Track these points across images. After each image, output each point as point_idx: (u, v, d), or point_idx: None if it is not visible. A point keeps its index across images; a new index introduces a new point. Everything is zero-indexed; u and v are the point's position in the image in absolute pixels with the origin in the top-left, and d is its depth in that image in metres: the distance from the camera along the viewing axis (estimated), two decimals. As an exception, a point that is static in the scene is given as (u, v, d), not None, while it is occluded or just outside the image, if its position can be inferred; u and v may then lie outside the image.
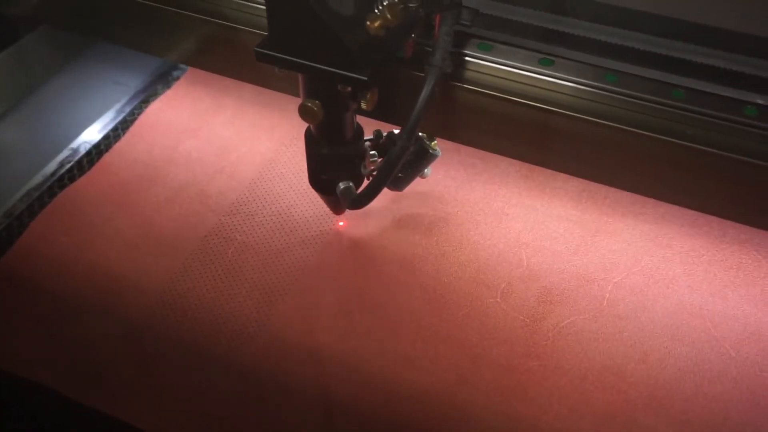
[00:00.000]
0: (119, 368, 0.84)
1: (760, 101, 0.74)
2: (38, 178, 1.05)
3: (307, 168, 0.86)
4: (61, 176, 1.05)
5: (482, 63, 0.81)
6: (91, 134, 1.10)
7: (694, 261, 0.91)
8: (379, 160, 0.84)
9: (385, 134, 0.84)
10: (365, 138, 0.84)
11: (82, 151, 1.08)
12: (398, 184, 0.89)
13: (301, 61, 0.72)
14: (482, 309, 0.88)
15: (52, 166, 1.06)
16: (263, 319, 0.87)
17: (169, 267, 0.93)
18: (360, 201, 0.82)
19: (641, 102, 0.76)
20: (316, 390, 0.82)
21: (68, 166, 1.06)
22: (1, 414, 0.82)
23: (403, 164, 0.79)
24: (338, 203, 0.88)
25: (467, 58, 0.81)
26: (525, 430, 0.78)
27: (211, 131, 1.09)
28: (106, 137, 1.10)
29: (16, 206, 1.01)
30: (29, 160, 1.07)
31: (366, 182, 0.85)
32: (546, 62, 0.79)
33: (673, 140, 0.75)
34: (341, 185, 0.84)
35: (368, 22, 0.69)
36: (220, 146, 1.07)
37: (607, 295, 0.88)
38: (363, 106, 0.75)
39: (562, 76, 0.78)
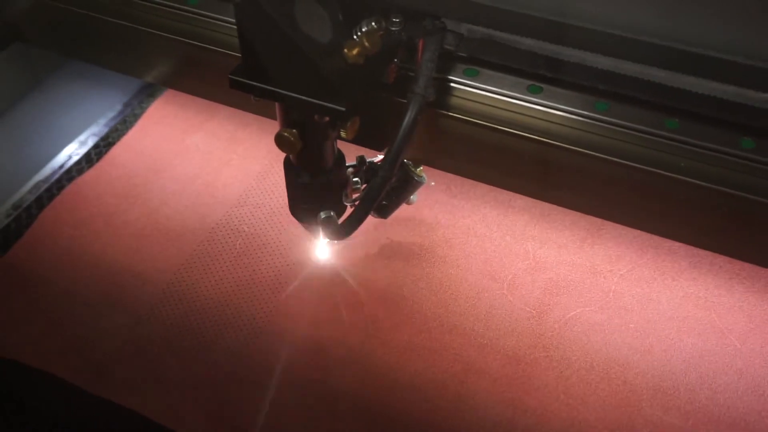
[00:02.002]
0: (126, 358, 0.84)
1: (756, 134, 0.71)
2: (46, 171, 1.05)
3: (287, 197, 0.82)
4: (69, 168, 1.05)
5: (468, 89, 0.78)
6: (99, 127, 1.11)
7: (700, 253, 0.91)
8: (363, 187, 0.80)
9: (368, 161, 0.81)
10: (348, 164, 0.80)
11: (90, 143, 1.08)
12: (383, 212, 0.86)
13: (277, 89, 0.68)
14: (489, 300, 0.88)
15: (60, 158, 1.07)
16: (270, 309, 0.88)
17: (177, 258, 0.93)
18: (341, 232, 0.78)
19: (632, 132, 0.73)
20: (322, 380, 0.82)
21: (76, 158, 1.07)
22: (9, 402, 0.82)
23: (388, 192, 0.76)
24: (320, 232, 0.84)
25: (452, 84, 0.78)
26: (530, 420, 0.78)
27: (218, 123, 1.09)
28: (114, 130, 1.10)
29: (24, 198, 1.02)
30: (37, 153, 1.08)
31: (349, 210, 0.80)
32: (534, 89, 0.76)
33: (666, 173, 0.72)
34: (322, 215, 0.79)
35: (346, 50, 0.66)
36: (228, 138, 1.07)
37: (613, 287, 0.89)
38: (343, 135, 0.71)
39: (551, 104, 0.75)
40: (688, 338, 0.84)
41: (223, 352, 0.84)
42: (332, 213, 0.79)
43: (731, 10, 0.65)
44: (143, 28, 0.90)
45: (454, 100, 0.78)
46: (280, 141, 0.72)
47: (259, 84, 0.69)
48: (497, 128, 0.77)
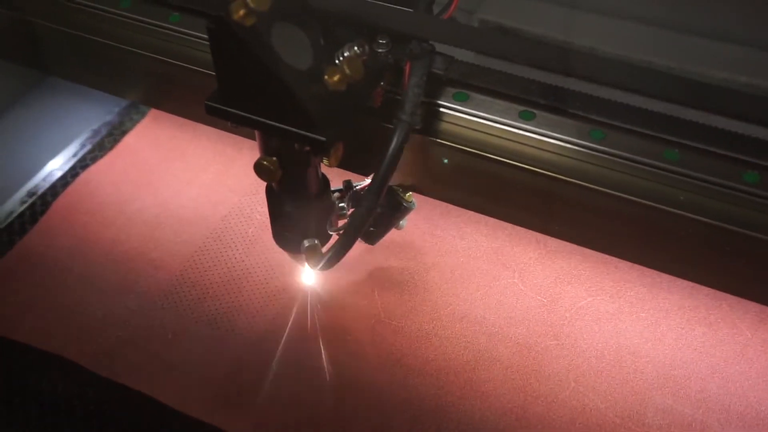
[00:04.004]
0: (140, 343, 0.85)
1: (762, 163, 0.67)
2: (60, 158, 1.06)
3: (270, 224, 0.80)
4: (83, 156, 1.06)
5: (457, 115, 0.75)
6: (113, 115, 1.11)
7: (712, 243, 0.91)
8: (350, 212, 0.77)
9: (355, 185, 0.78)
10: (333, 189, 0.77)
11: (104, 131, 1.09)
12: (370, 238, 0.84)
13: (254, 117, 0.64)
14: (500, 289, 0.88)
15: (74, 146, 1.08)
16: (282, 297, 0.88)
17: (190, 245, 0.94)
18: (325, 262, 0.75)
19: (629, 162, 0.70)
20: (332, 366, 0.83)
21: (90, 146, 1.07)
22: (24, 387, 0.83)
23: (376, 217, 0.73)
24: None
25: (441, 109, 0.75)
26: (541, 407, 0.78)
27: (230, 113, 1.10)
28: (128, 118, 1.11)
29: (39, 185, 1.03)
30: (52, 140, 1.09)
31: (335, 237, 0.77)
32: (526, 115, 0.73)
33: (664, 206, 0.69)
34: (306, 243, 0.75)
35: (327, 76, 0.63)
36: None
37: (625, 276, 0.89)
38: (326, 163, 0.68)
39: (544, 131, 0.72)
40: (699, 327, 0.84)
41: (235, 339, 0.85)
42: (316, 241, 0.76)
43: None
44: (120, 46, 0.88)
45: (442, 126, 0.75)
46: (259, 169, 0.69)
47: (236, 111, 0.65)
48: (487, 156, 0.74)
